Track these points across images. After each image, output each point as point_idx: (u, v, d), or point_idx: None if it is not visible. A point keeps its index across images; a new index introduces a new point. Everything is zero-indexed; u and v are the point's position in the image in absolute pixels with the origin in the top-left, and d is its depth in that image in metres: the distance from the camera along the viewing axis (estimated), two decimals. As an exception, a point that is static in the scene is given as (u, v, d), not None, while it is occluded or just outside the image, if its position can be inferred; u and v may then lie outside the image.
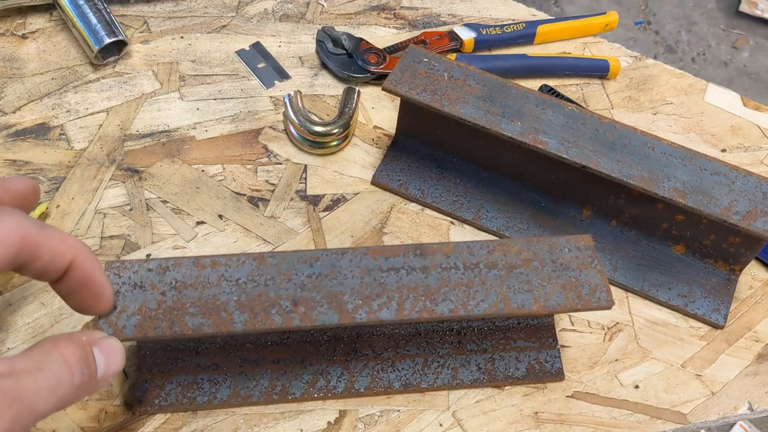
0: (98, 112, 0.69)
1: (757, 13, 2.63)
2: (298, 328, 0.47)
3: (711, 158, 0.58)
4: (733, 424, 1.79)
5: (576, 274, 0.51)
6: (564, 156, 0.56)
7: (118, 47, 0.73)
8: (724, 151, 0.74)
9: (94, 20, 0.71)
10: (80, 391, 0.39)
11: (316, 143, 0.68)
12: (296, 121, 0.67)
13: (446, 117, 0.60)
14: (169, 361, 0.54)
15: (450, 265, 0.51)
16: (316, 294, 0.48)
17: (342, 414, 0.55)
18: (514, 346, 0.58)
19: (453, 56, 0.75)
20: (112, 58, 0.73)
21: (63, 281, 0.41)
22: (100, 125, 0.68)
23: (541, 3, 2.74)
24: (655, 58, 2.55)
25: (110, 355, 0.42)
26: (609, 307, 0.50)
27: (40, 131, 0.67)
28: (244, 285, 0.48)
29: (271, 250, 0.62)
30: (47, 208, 0.62)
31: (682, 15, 2.74)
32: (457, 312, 0.49)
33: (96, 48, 0.70)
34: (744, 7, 2.64)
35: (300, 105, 0.68)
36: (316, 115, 0.72)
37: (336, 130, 0.67)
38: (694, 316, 0.62)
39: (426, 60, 0.61)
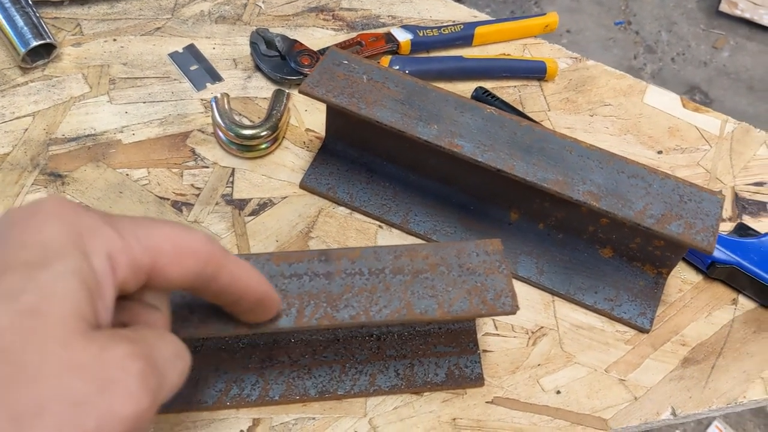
0: (24, 116, 0.69)
1: (737, 12, 2.63)
2: (190, 336, 0.46)
3: (629, 161, 0.57)
4: (708, 425, 1.79)
5: (482, 279, 0.50)
6: (479, 159, 0.55)
7: (48, 50, 0.72)
8: (660, 152, 0.73)
9: (20, 23, 0.70)
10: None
11: (244, 146, 0.67)
12: (222, 124, 0.66)
13: (369, 122, 0.59)
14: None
15: (355, 270, 0.50)
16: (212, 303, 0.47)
17: (255, 422, 0.54)
18: (434, 351, 0.57)
19: (388, 58, 0.74)
20: (41, 62, 0.72)
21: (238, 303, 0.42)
22: (26, 129, 0.68)
23: (522, 3, 2.73)
24: (635, 58, 2.55)
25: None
26: (513, 313, 0.49)
27: (-36, 136, 0.67)
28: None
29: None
30: (-36, 214, 0.61)
31: (663, 15, 2.74)
32: (359, 318, 0.48)
33: (22, 51, 0.69)
34: (724, 7, 2.64)
35: (227, 107, 0.67)
36: (247, 117, 0.71)
37: (264, 133, 0.66)
38: (620, 320, 0.61)
39: (346, 62, 0.60)
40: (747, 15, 2.63)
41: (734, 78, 2.54)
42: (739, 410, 0.59)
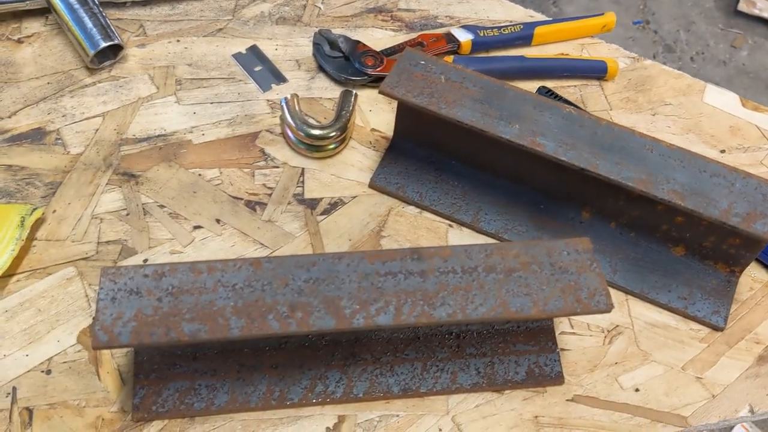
0: (94, 117, 0.69)
1: (756, 12, 2.63)
2: (295, 333, 0.47)
3: (710, 160, 0.58)
4: (733, 426, 1.78)
5: (575, 278, 0.50)
6: (562, 158, 0.56)
7: (114, 51, 0.73)
8: (723, 151, 0.74)
9: (89, 24, 0.70)
10: None
11: (313, 146, 0.67)
12: (293, 125, 0.67)
13: (443, 119, 0.59)
14: (166, 367, 0.54)
15: (448, 269, 0.50)
16: (313, 299, 0.48)
17: (341, 419, 0.55)
18: (514, 349, 0.58)
19: (450, 58, 0.75)
20: (108, 63, 0.73)
21: None
22: (97, 130, 0.68)
23: (540, 3, 2.74)
24: (654, 57, 2.55)
25: None
26: (608, 311, 0.49)
27: (36, 136, 0.67)
28: (240, 290, 0.48)
29: (269, 255, 0.62)
30: (43, 214, 0.62)
31: (681, 14, 2.74)
32: (456, 316, 0.48)
33: (91, 52, 0.70)
34: (742, 6, 2.64)
35: (297, 108, 0.67)
36: (313, 118, 0.71)
37: (333, 134, 0.67)
38: (694, 319, 0.62)
39: (422, 62, 0.61)
40: (765, 14, 2.63)
41: (753, 77, 2.54)
42: (815, 408, 0.59)
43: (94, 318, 0.47)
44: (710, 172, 0.57)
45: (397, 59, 0.67)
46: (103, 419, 0.53)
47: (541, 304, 0.49)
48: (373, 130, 0.72)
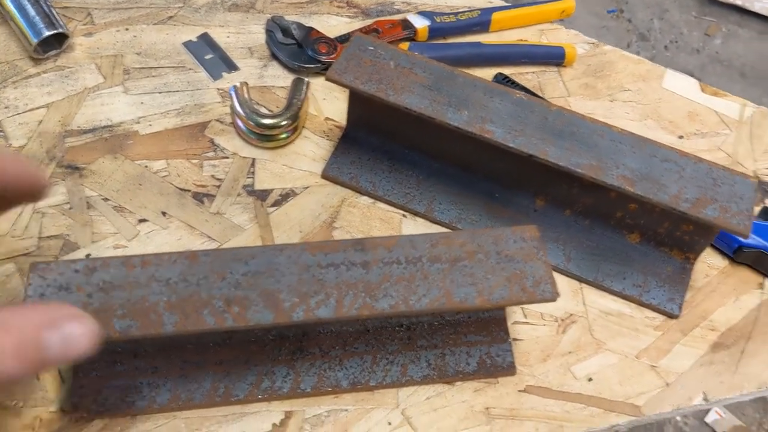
0: (38, 108, 0.67)
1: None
2: (231, 328, 0.45)
3: (661, 145, 0.57)
4: (708, 410, 1.80)
5: (521, 266, 0.49)
6: (511, 145, 0.55)
7: (59, 40, 0.70)
8: (681, 137, 0.73)
9: (32, 12, 0.68)
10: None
11: (264, 136, 0.66)
12: (242, 114, 0.65)
13: (395, 109, 0.58)
14: (107, 365, 0.52)
15: (392, 259, 0.49)
16: (251, 292, 0.47)
17: (288, 415, 0.53)
18: (465, 340, 0.57)
19: (406, 45, 0.73)
20: (53, 52, 0.71)
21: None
22: (40, 121, 0.66)
23: (514, -8, 2.73)
24: (628, 46, 2.55)
25: (68, 343, 0.40)
26: (554, 300, 0.48)
27: (-23, 128, 0.65)
28: (175, 285, 0.46)
29: (216, 248, 0.60)
30: (-18, 208, 0.60)
31: (654, 3, 2.74)
32: (398, 308, 0.47)
33: (35, 41, 0.68)
34: (716, -6, 2.65)
35: (246, 96, 0.66)
36: (265, 107, 0.70)
37: (284, 122, 0.65)
38: (649, 306, 0.61)
39: (372, 48, 0.59)
40: (738, 2, 2.63)
41: (727, 65, 2.55)
42: (770, 394, 0.59)
43: (21, 315, 0.45)
44: (661, 157, 0.56)
45: (348, 46, 0.66)
46: (41, 419, 0.51)
47: (485, 293, 0.48)
48: (327, 119, 0.70)
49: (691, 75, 2.48)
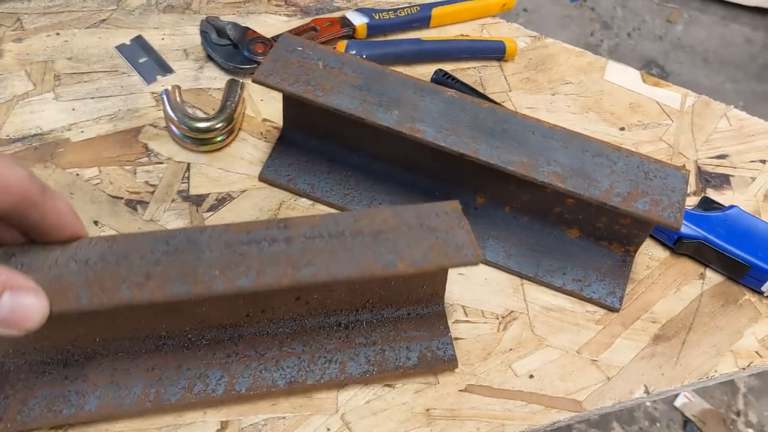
0: (-35, 117, 0.65)
1: (689, -14, 2.65)
2: (148, 301, 0.44)
3: (593, 139, 0.56)
4: (678, 394, 1.82)
5: (443, 236, 0.49)
6: (441, 144, 0.54)
7: (-13, 47, 0.69)
8: (623, 129, 0.73)
9: (-45, 19, 0.66)
10: None
11: (198, 140, 0.65)
12: (175, 118, 0.64)
13: (327, 110, 0.57)
14: (34, 376, 0.51)
15: (314, 234, 0.49)
16: (170, 269, 0.46)
17: (223, 425, 0.52)
18: (405, 336, 0.56)
19: (344, 43, 0.72)
20: (-20, 59, 0.69)
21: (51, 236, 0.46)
22: (-33, 131, 0.64)
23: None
24: (592, 35, 2.56)
25: (17, 312, 0.40)
26: (476, 262, 0.48)
27: None
28: (94, 265, 0.46)
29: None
30: None
31: (618, -10, 2.75)
32: (320, 276, 0.46)
33: (-41, 49, 0.66)
34: (677, -20, 2.66)
35: (179, 100, 0.64)
36: (201, 109, 0.69)
37: (219, 125, 0.64)
38: (590, 300, 0.61)
39: (300, 49, 0.58)
40: (699, -12, 2.65)
41: (689, 51, 2.56)
42: (711, 384, 0.59)
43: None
44: (593, 152, 0.56)
45: (281, 46, 0.65)
46: (-35, 439, 0.50)
47: (408, 259, 0.48)
48: (264, 120, 0.69)
49: (655, 62, 2.50)
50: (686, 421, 1.79)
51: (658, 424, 1.79)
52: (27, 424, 0.50)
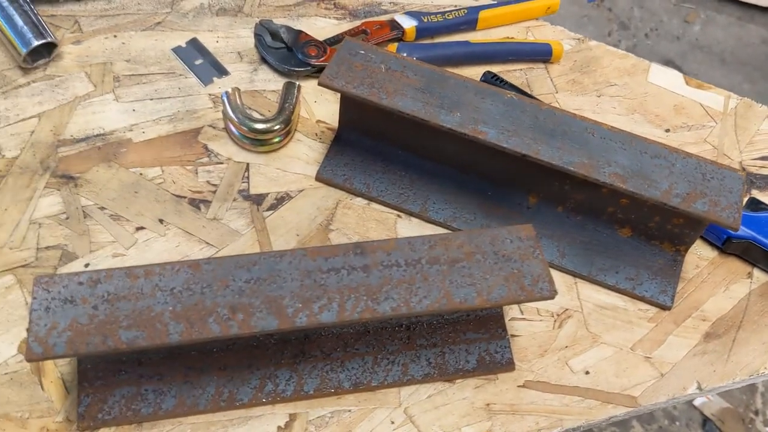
0: (30, 118, 0.67)
1: (707, -14, 2.66)
2: (236, 336, 0.46)
3: (651, 141, 0.58)
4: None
5: (518, 266, 0.50)
6: (504, 146, 0.56)
7: (48, 49, 0.70)
8: (668, 131, 0.74)
9: (20, 22, 0.68)
10: None
11: (257, 141, 0.66)
12: (235, 119, 0.65)
13: (387, 112, 0.59)
14: (111, 374, 0.53)
15: (391, 262, 0.50)
16: (254, 299, 0.47)
17: (292, 417, 0.54)
18: (464, 338, 0.58)
19: (394, 46, 0.74)
20: (42, 61, 0.70)
21: None
22: (32, 131, 0.66)
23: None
24: (609, 35, 2.56)
25: None
26: (552, 297, 0.49)
27: (-31, 140, 0.65)
28: (179, 294, 0.47)
29: (214, 254, 0.61)
30: (-22, 221, 0.60)
31: (634, -9, 2.76)
32: (399, 310, 0.48)
33: (23, 51, 0.68)
34: (694, -19, 2.66)
35: (239, 102, 0.66)
36: (257, 111, 0.70)
37: (277, 126, 0.66)
38: (642, 299, 0.62)
39: (362, 52, 0.60)
40: (716, -12, 2.65)
41: (707, 51, 2.57)
42: (761, 380, 0.60)
43: (27, 329, 0.45)
44: (651, 153, 0.57)
45: (339, 49, 0.66)
46: (47, 430, 0.51)
47: (485, 293, 0.49)
48: (318, 121, 0.71)
49: (672, 62, 2.50)
50: (705, 420, 1.80)
51: (677, 423, 1.80)
52: (108, 422, 0.51)
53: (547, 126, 0.57)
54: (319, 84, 0.58)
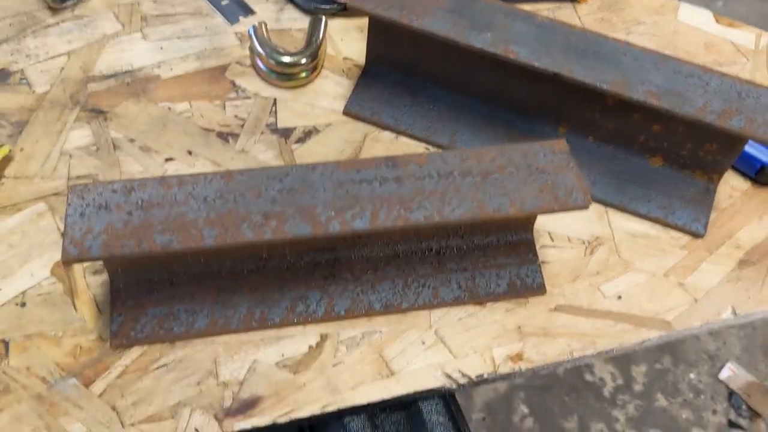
0: (59, 56, 0.68)
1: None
2: (270, 241, 0.46)
3: (685, 61, 0.57)
4: (722, 366, 1.81)
5: (552, 178, 0.50)
6: (536, 65, 0.55)
7: (76, -10, 0.71)
8: (698, 67, 0.73)
9: (48, -39, 0.69)
10: None
11: (284, 75, 0.66)
12: (263, 53, 0.65)
13: (416, 37, 0.58)
14: (143, 294, 0.53)
15: (423, 174, 0.50)
16: (287, 208, 0.47)
17: (323, 337, 0.54)
18: (494, 263, 0.57)
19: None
20: (70, 2, 0.71)
21: None
22: (62, 68, 0.67)
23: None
24: None
25: None
26: (586, 206, 0.49)
27: (0, 77, 0.65)
28: (212, 202, 0.47)
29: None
30: (10, 151, 0.60)
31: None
32: (432, 219, 0.48)
33: (53, -10, 0.68)
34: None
35: (266, 36, 0.66)
36: (283, 48, 0.70)
37: (304, 60, 0.66)
38: (675, 227, 0.61)
39: (391, -23, 0.60)
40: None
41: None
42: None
43: (63, 233, 0.46)
44: (685, 73, 0.56)
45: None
46: (81, 348, 0.52)
47: (518, 203, 0.49)
48: (345, 58, 0.71)
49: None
50: (731, 394, 1.78)
51: (702, 396, 1.79)
52: (140, 340, 0.52)
53: (579, 47, 0.57)
54: (349, 5, 0.58)
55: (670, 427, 1.72)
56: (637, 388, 1.78)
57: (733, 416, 1.75)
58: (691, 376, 1.81)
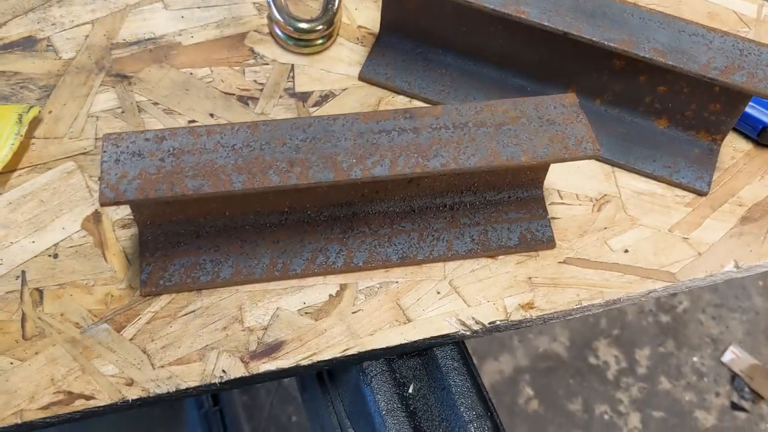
0: (84, 24, 0.70)
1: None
2: (294, 186, 0.48)
3: (689, 21, 0.59)
4: (725, 350, 1.83)
5: (562, 129, 0.52)
6: (546, 24, 0.57)
7: (99, -39, 0.73)
8: (702, 35, 0.75)
9: (73, -67, 0.71)
10: None
11: (301, 41, 0.69)
12: (280, 20, 0.68)
13: (429, 4, 0.61)
14: (170, 245, 0.55)
15: (439, 125, 0.52)
16: (311, 155, 0.50)
17: (342, 287, 0.56)
18: (506, 218, 0.60)
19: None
20: (93, -27, 0.73)
21: None
22: (87, 36, 0.69)
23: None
24: None
25: None
26: (596, 156, 0.51)
27: (27, 44, 0.68)
28: (240, 150, 0.49)
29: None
30: (40, 113, 0.63)
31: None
32: (449, 166, 0.50)
33: (77, -40, 0.70)
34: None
35: (283, 3, 0.68)
36: (300, 16, 0.72)
37: (320, 27, 0.68)
38: (679, 185, 0.64)
39: (406, -57, 0.62)
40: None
41: None
42: (797, 263, 0.61)
43: (99, 178, 0.48)
44: (689, 32, 0.59)
45: (380, -48, 0.68)
46: (111, 296, 0.54)
47: (530, 152, 0.51)
48: (359, 27, 0.73)
49: None
50: (734, 377, 1.80)
51: (705, 379, 1.81)
52: (168, 288, 0.54)
53: (587, 8, 0.59)
54: (365, -29, 0.60)
55: (673, 409, 1.75)
56: (641, 371, 1.80)
57: (735, 399, 1.78)
58: (694, 359, 1.83)
